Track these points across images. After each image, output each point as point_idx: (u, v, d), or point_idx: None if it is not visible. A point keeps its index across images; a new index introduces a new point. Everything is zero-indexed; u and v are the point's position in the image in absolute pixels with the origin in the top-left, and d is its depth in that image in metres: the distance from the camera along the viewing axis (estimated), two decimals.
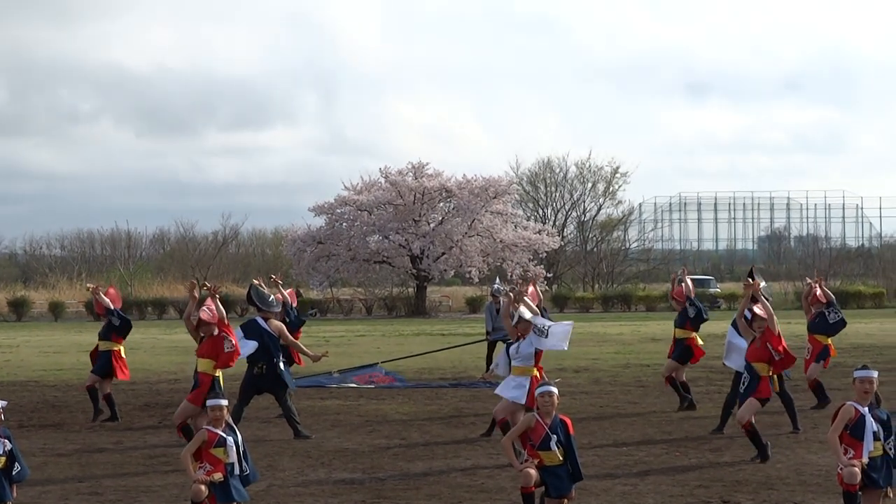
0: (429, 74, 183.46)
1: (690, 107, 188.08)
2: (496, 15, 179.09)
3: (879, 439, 12.31)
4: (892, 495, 12.43)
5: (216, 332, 18.08)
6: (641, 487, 15.09)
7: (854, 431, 12.28)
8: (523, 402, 17.00)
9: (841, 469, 12.19)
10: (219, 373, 18.12)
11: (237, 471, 12.59)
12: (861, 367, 12.64)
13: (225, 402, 12.79)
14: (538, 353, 17.30)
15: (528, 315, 17.46)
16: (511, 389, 17.23)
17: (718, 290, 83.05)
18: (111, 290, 23.29)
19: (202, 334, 18.27)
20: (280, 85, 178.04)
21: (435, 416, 22.75)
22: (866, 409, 12.34)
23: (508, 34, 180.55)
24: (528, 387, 17.00)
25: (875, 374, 12.55)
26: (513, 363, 17.44)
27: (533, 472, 12.52)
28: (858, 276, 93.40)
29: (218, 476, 12.34)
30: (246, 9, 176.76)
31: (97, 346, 22.68)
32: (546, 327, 17.26)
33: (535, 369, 17.25)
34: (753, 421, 16.99)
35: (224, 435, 12.58)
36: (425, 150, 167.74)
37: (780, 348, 17.28)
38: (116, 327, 22.50)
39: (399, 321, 66.68)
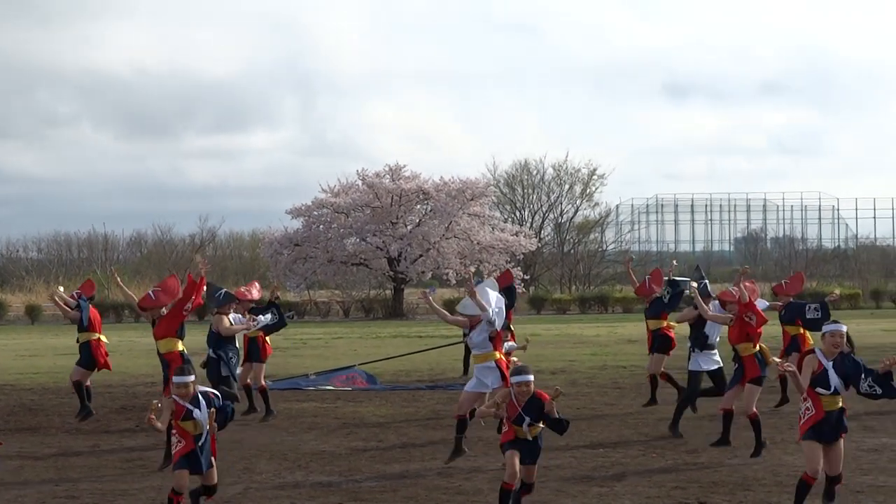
0: (408, 77, 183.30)
1: (669, 109, 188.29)
2: (475, 17, 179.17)
3: (838, 393, 12.55)
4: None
5: (165, 311, 18.20)
6: (618, 489, 15.13)
7: (815, 383, 12.49)
8: (500, 384, 16.99)
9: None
10: (181, 346, 18.17)
11: (204, 440, 12.95)
12: (831, 322, 12.87)
13: (190, 378, 12.97)
14: (495, 338, 17.25)
15: (473, 310, 17.38)
16: (480, 384, 17.20)
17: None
18: (86, 284, 23.31)
19: (153, 318, 18.38)
20: (260, 87, 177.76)
21: (412, 418, 22.77)
22: (830, 363, 12.55)
23: (488, 36, 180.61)
24: (498, 371, 17.04)
25: (844, 328, 12.80)
26: (473, 352, 17.51)
27: (516, 468, 12.75)
28: (834, 278, 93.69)
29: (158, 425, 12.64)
30: (226, 11, 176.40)
31: (77, 339, 22.65)
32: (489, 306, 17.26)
33: (496, 353, 17.20)
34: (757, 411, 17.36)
35: (190, 407, 12.72)
36: (404, 152, 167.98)
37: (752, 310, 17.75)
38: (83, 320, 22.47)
39: (376, 323, 66.65)
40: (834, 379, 12.55)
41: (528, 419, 12.96)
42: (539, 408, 12.98)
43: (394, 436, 20.41)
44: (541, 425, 13.07)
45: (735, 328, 17.85)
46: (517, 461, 13.02)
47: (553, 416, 13.00)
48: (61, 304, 22.60)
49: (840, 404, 12.72)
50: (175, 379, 12.99)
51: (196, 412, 12.83)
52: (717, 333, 19.69)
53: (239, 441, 19.56)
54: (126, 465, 17.77)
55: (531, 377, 13.15)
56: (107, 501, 14.96)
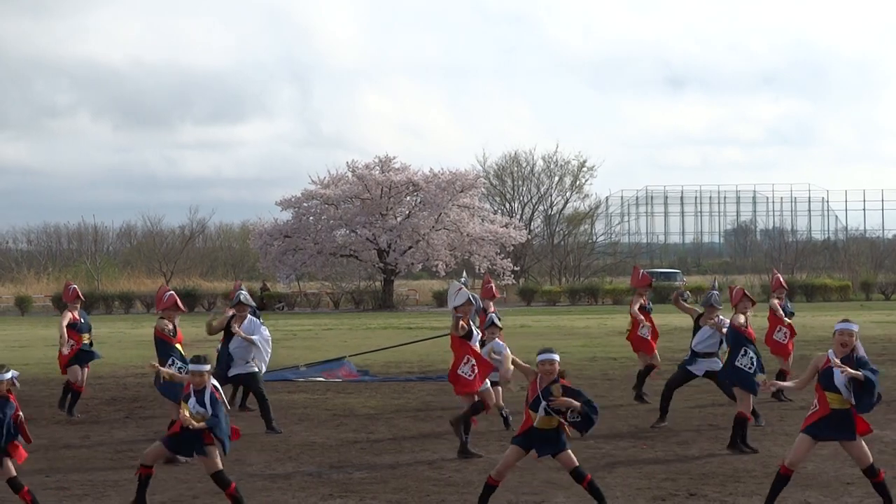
0: (403, 69, 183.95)
1: (661, 101, 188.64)
2: (469, 9, 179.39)
3: (840, 392, 12.39)
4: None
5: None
6: (609, 481, 15.12)
7: (823, 380, 12.40)
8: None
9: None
10: (177, 346, 18.16)
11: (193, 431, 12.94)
12: (843, 320, 12.73)
13: (206, 368, 12.92)
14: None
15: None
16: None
17: (685, 282, 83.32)
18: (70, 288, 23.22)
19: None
20: (256, 79, 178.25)
21: (402, 409, 22.76)
22: (839, 360, 12.45)
23: (481, 28, 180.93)
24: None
25: (855, 326, 12.63)
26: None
27: (509, 466, 12.89)
28: (824, 269, 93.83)
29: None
30: (222, 3, 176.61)
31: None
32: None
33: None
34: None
35: (191, 395, 12.88)
36: (398, 143, 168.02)
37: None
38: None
39: (366, 315, 66.62)
40: (839, 378, 12.40)
41: (544, 403, 12.81)
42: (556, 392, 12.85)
43: (384, 427, 20.41)
44: (559, 419, 12.89)
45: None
46: (513, 460, 12.94)
47: (559, 401, 12.79)
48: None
49: (848, 405, 12.55)
50: (191, 366, 13.04)
51: (192, 402, 12.83)
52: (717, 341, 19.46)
53: None
54: (116, 456, 17.75)
55: (556, 357, 13.07)
56: (97, 492, 14.94)
